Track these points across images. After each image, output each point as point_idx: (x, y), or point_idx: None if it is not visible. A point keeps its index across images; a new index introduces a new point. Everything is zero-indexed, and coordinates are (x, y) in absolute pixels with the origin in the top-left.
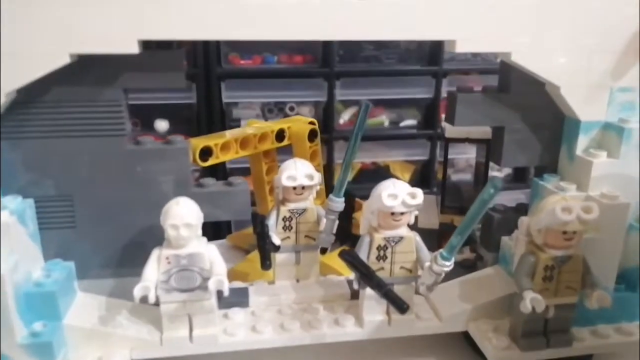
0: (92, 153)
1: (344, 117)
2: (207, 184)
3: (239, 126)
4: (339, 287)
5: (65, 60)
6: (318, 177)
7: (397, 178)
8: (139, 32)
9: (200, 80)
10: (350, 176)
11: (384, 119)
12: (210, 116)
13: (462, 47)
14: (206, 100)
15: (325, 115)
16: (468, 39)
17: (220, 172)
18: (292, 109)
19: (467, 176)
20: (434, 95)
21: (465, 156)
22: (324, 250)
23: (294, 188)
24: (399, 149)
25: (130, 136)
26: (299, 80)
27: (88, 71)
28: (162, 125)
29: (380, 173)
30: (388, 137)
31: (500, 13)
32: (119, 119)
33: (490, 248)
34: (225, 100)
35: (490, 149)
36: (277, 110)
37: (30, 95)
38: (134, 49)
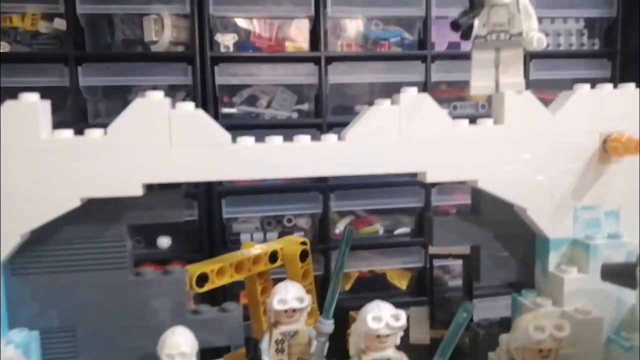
0: (95, 285)
1: (340, 227)
2: (203, 310)
3: (238, 239)
4: None
5: (76, 203)
6: (308, 300)
7: (395, 286)
8: (143, 177)
9: (202, 198)
10: (347, 285)
11: (378, 227)
12: (211, 231)
13: (432, 178)
14: (207, 217)
15: (322, 225)
16: (437, 170)
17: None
18: (289, 220)
19: None
20: (424, 204)
21: (461, 261)
22: None
23: (285, 311)
24: (394, 256)
25: (131, 267)
26: (295, 194)
27: (95, 211)
28: (164, 241)
29: (378, 281)
30: (383, 246)
31: (466, 146)
32: (122, 252)
33: None
34: (225, 216)
35: (470, 265)
36: (276, 222)
37: (40, 234)
38: (139, 192)
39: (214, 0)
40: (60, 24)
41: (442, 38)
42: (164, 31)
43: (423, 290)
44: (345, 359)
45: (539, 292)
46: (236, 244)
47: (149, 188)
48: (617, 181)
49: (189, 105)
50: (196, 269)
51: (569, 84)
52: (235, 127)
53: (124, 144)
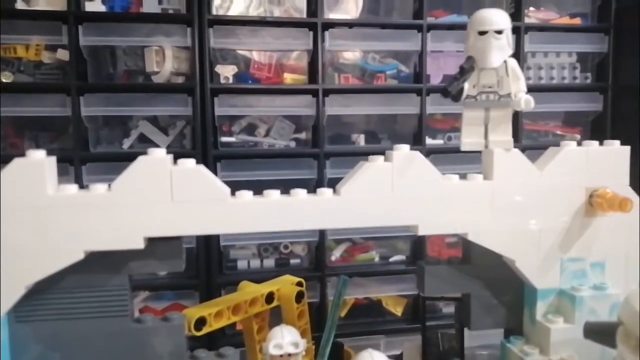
0: (96, 332)
1: (336, 254)
2: (200, 356)
3: (235, 266)
4: None
5: (79, 256)
6: (303, 344)
7: (390, 312)
8: (145, 231)
9: None
10: (343, 312)
11: (374, 254)
12: (209, 258)
13: (423, 231)
14: (205, 244)
15: (318, 253)
16: (428, 223)
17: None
18: (286, 247)
19: None
20: None
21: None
22: None
23: (281, 356)
24: (390, 284)
25: (132, 313)
26: None
27: (98, 261)
28: None
29: (374, 308)
30: (379, 273)
31: (456, 201)
32: (123, 301)
33: None
34: (223, 243)
35: (461, 311)
36: (272, 249)
37: (44, 284)
38: (140, 245)
39: (215, 33)
40: (63, 54)
41: (437, 71)
42: (165, 62)
43: (418, 317)
44: None
45: (526, 339)
46: (233, 271)
47: (150, 238)
48: (602, 234)
49: (190, 162)
50: (194, 312)
51: (561, 117)
52: (234, 156)
53: (127, 199)
